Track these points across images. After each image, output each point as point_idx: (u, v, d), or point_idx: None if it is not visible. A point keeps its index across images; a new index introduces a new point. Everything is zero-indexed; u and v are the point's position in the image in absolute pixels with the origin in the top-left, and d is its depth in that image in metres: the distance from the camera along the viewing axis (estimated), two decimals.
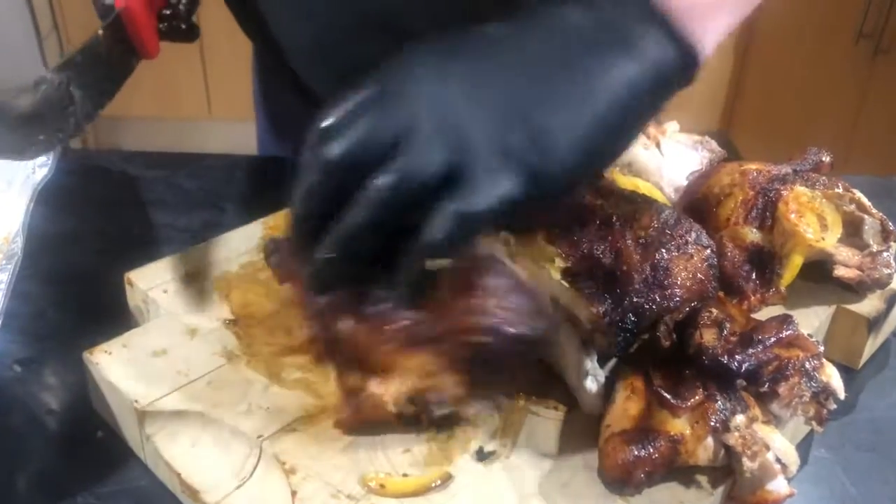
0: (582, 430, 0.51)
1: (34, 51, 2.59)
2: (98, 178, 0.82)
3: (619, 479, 0.46)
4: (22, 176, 0.68)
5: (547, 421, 0.52)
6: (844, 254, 0.60)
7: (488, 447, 0.50)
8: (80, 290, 0.66)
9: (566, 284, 0.51)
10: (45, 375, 0.58)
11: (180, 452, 0.48)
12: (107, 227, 0.75)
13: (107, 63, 0.57)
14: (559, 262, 0.52)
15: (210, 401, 0.52)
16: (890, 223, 0.61)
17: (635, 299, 0.50)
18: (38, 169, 0.68)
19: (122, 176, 0.82)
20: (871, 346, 0.62)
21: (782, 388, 0.48)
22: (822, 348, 0.50)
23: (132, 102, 2.96)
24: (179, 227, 0.63)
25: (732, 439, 0.46)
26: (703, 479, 0.48)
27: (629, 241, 0.52)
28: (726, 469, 0.48)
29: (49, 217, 0.65)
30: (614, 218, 0.53)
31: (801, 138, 2.45)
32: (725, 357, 0.49)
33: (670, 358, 0.52)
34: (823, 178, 0.64)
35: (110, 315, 0.61)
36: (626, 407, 0.48)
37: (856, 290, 0.61)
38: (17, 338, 0.60)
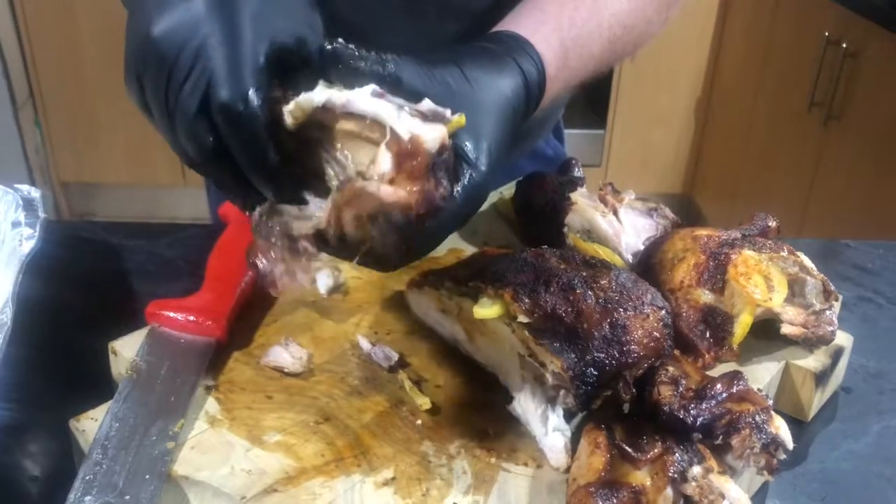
0: (551, 485, 0.54)
1: (9, 119, 2.62)
2: (81, 249, 0.85)
3: None
4: (9, 248, 0.70)
5: (518, 477, 0.55)
6: (790, 313, 0.64)
7: (461, 503, 0.52)
8: (66, 358, 0.67)
9: (531, 339, 0.55)
10: (29, 443, 0.60)
11: None
12: (91, 297, 0.77)
13: None
14: (523, 319, 0.55)
15: (193, 464, 0.54)
16: (831, 284, 0.65)
17: (595, 355, 0.54)
18: (24, 241, 0.70)
19: (104, 246, 0.85)
20: (819, 399, 0.66)
21: (735, 441, 0.51)
22: (770, 402, 0.54)
23: (106, 170, 3.00)
24: (161, 296, 0.66)
25: (690, 489, 0.49)
26: None
27: (590, 301, 0.56)
28: None
29: (35, 287, 0.67)
30: (576, 280, 0.57)
31: (759, 200, 2.54)
32: (681, 412, 0.52)
33: (631, 413, 0.55)
34: (770, 241, 0.69)
35: (95, 383, 0.63)
36: (591, 461, 0.51)
37: (803, 346, 0.65)
38: (2, 405, 0.61)
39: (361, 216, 0.47)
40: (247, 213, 0.51)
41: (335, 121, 0.48)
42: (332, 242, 0.49)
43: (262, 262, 0.50)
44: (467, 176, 0.49)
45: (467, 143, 0.50)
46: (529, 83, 0.57)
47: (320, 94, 0.47)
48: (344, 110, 0.47)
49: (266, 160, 0.47)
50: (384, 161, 0.46)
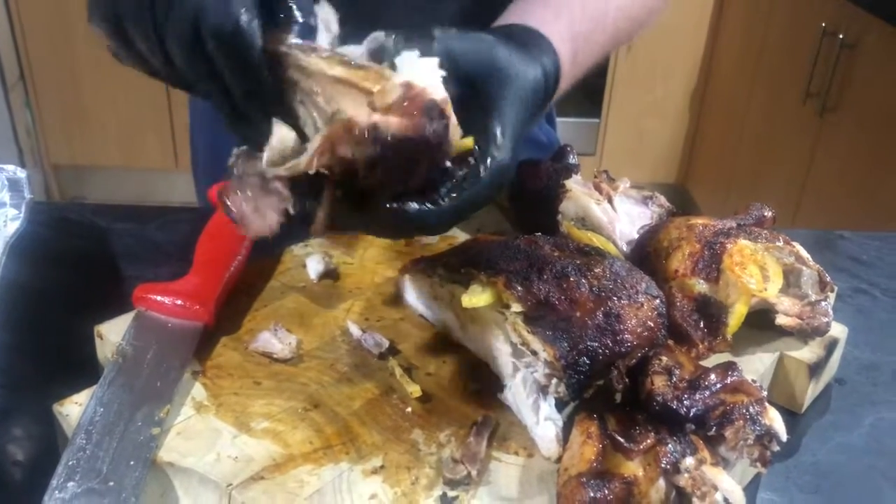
0: (542, 475, 0.53)
1: (0, 100, 2.59)
2: (68, 231, 0.84)
3: None
4: None
5: (508, 466, 0.54)
6: (785, 303, 0.63)
7: (452, 492, 0.51)
8: (51, 341, 0.66)
9: (524, 327, 0.54)
10: (13, 427, 0.59)
11: (151, 502, 0.49)
12: (77, 280, 0.76)
13: None
14: (517, 307, 0.55)
15: (180, 451, 0.53)
16: (826, 275, 0.65)
17: (588, 343, 0.53)
18: (9, 222, 0.69)
19: (91, 228, 0.84)
20: (812, 390, 0.66)
21: (728, 432, 0.51)
22: (764, 393, 0.53)
23: (98, 152, 2.98)
24: (148, 280, 0.65)
25: (683, 480, 0.49)
26: None
27: (583, 290, 0.55)
28: None
29: (20, 269, 0.66)
30: (569, 268, 0.56)
31: (754, 191, 2.54)
32: (675, 402, 0.52)
33: (624, 403, 0.55)
34: (765, 231, 0.68)
35: (80, 367, 0.62)
36: (583, 450, 0.51)
37: (797, 337, 0.65)
38: None
39: (355, 144, 0.46)
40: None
41: (327, 65, 0.47)
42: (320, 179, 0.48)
43: (231, 200, 0.50)
44: (494, 156, 0.50)
45: (497, 126, 0.51)
46: (548, 78, 0.57)
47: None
48: (351, 59, 0.47)
49: (260, 87, 0.47)
50: (392, 94, 0.46)
